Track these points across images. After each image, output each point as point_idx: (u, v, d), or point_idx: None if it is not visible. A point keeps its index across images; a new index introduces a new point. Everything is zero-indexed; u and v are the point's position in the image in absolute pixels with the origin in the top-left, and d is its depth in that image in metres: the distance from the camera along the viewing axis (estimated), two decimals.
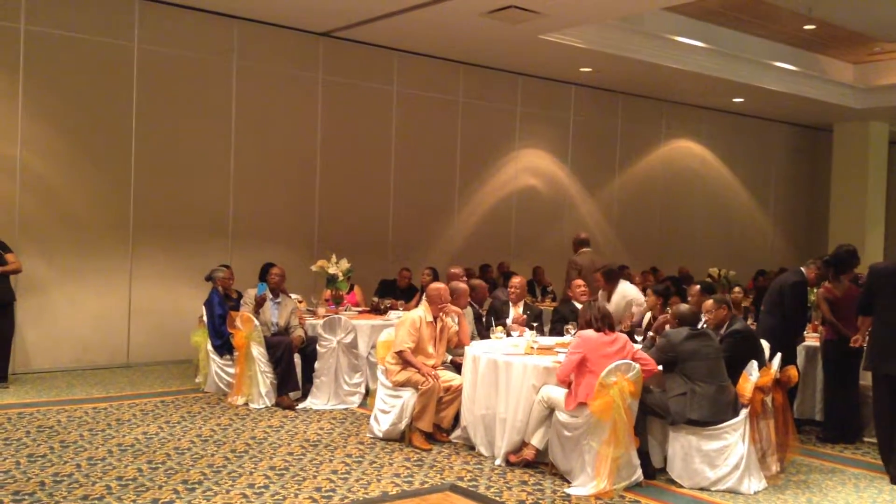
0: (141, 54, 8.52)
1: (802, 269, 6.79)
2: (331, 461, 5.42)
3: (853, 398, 6.48)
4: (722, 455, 5.15)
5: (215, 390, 7.36)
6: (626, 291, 7.95)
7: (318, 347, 7.07)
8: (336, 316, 7.20)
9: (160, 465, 5.17)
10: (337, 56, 9.84)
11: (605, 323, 5.38)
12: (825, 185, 15.32)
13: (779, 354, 5.82)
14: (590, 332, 5.35)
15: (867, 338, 5.91)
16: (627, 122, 13.09)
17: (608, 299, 7.77)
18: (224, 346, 7.27)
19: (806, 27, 11.07)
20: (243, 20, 9.05)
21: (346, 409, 6.96)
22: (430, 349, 6.13)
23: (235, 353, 7.10)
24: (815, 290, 7.05)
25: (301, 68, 9.63)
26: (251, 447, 5.68)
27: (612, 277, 7.91)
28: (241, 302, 7.29)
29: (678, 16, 10.36)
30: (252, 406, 6.90)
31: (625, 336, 5.50)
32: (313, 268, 7.99)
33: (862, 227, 14.42)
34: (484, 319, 7.29)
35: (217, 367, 7.36)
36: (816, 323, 7.24)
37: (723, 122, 14.42)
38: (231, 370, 7.22)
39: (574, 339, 5.42)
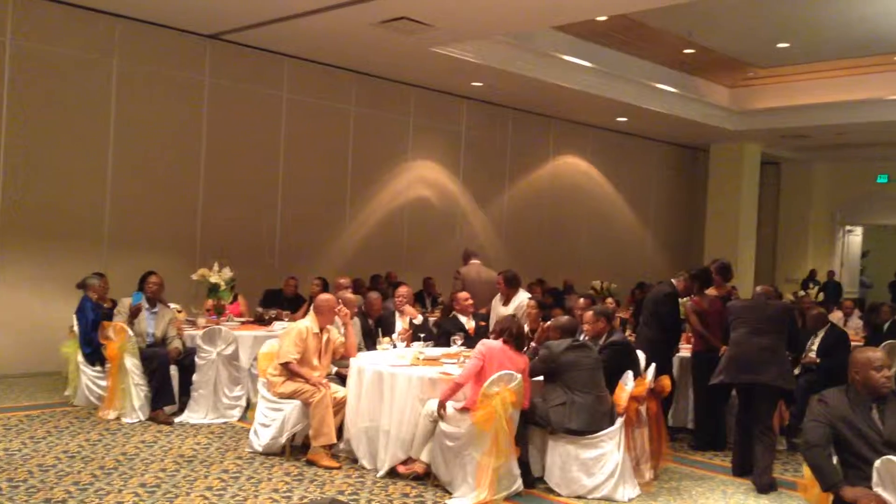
0: (13, 50, 8.06)
1: (672, 280, 7.09)
2: (206, 477, 5.24)
3: (722, 407, 6.77)
4: (598, 463, 5.28)
5: (86, 404, 7.00)
6: (523, 299, 8.07)
7: (196, 359, 6.84)
8: (216, 326, 6.99)
9: (21, 484, 4.87)
10: (225, 59, 9.60)
11: (516, 341, 5.43)
12: (702, 202, 16.05)
13: (653, 365, 6.02)
14: (496, 344, 5.39)
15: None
16: (517, 137, 13.34)
17: (505, 304, 7.83)
18: (94, 354, 6.93)
19: (686, 51, 11.59)
20: (126, 19, 8.71)
21: (225, 423, 6.74)
22: (316, 361, 6.02)
23: (108, 365, 6.79)
24: (685, 302, 7.35)
25: (187, 70, 9.35)
26: (121, 463, 5.43)
27: (512, 283, 7.98)
28: (115, 311, 6.98)
29: (566, 35, 10.65)
30: (124, 420, 6.59)
31: (527, 359, 5.55)
32: (194, 276, 7.74)
33: (735, 242, 15.17)
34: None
35: (88, 380, 7.00)
36: (689, 334, 7.54)
37: (607, 140, 14.90)
38: (103, 383, 6.89)
39: (479, 345, 5.45)
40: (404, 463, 5.43)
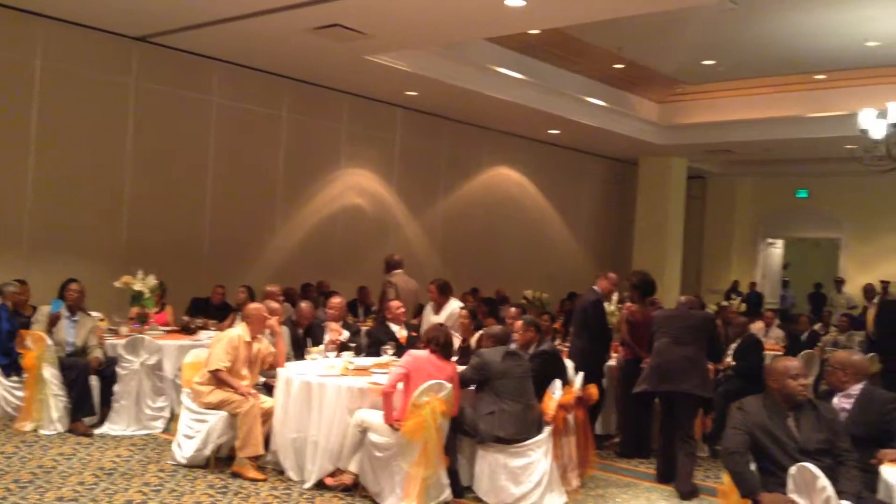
0: None
1: (594, 287, 7.21)
2: (126, 490, 5.09)
3: (646, 415, 6.90)
4: (526, 472, 5.31)
5: (1, 415, 6.72)
6: (455, 307, 8.10)
7: (118, 369, 6.65)
8: (140, 336, 6.81)
9: None
10: (153, 62, 9.38)
11: (443, 350, 5.43)
12: (631, 214, 16.37)
13: (581, 373, 6.11)
14: (422, 353, 5.39)
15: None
16: (451, 147, 13.40)
17: (437, 312, 7.84)
18: (11, 365, 6.66)
19: (615, 66, 11.82)
20: (50, 19, 8.43)
21: (147, 435, 6.57)
22: (244, 371, 5.92)
23: (25, 375, 6.54)
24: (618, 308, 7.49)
25: (113, 73, 9.10)
26: (38, 477, 5.23)
27: (445, 291, 8.00)
28: (32, 319, 6.73)
29: (500, 48, 10.75)
30: (42, 432, 6.36)
31: (454, 366, 5.56)
32: (117, 284, 7.53)
33: (663, 254, 15.52)
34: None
35: (3, 390, 6.73)
36: (617, 343, 7.68)
37: (540, 152, 15.09)
38: (20, 393, 6.63)
39: (406, 355, 5.44)
40: (332, 474, 5.38)
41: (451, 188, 13.53)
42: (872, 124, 8.16)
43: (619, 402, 7.18)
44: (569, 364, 6.42)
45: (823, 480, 3.52)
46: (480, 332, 6.72)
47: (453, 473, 5.35)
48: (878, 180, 10.00)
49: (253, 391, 5.77)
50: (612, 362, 7.38)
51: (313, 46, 8.93)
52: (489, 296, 12.06)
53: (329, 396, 5.43)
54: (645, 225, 15.87)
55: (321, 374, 5.70)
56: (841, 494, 3.68)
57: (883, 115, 8.12)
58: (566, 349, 7.40)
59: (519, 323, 6.38)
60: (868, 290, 12.98)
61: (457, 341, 6.73)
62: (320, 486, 5.35)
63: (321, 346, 6.69)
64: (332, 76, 10.65)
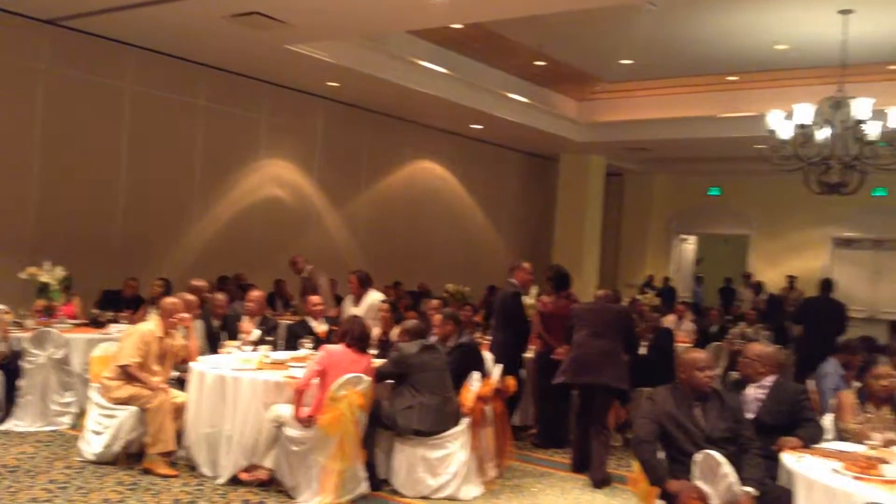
0: None
1: (511, 280, 7.30)
2: (31, 488, 4.91)
3: (564, 406, 7.03)
4: (444, 463, 5.35)
5: None
6: (375, 299, 8.06)
7: (23, 364, 6.39)
8: (46, 329, 6.57)
9: None
10: (64, 47, 9.02)
11: (358, 343, 5.40)
12: (551, 210, 16.61)
13: (499, 365, 6.17)
14: (338, 348, 5.35)
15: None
16: (374, 140, 13.32)
17: (357, 303, 7.79)
18: None
19: (537, 63, 11.97)
20: None
21: (54, 431, 6.34)
22: (156, 366, 5.76)
23: None
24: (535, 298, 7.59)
25: (21, 57, 8.72)
26: None
27: (365, 283, 7.96)
28: None
29: (423, 41, 10.75)
30: None
31: (370, 359, 5.54)
32: (22, 275, 7.24)
33: (581, 248, 15.81)
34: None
35: None
36: (535, 335, 7.79)
37: (463, 147, 15.16)
38: None
39: (321, 350, 5.40)
40: (247, 469, 5.30)
41: (373, 181, 13.46)
42: (780, 125, 8.46)
43: (535, 394, 7.29)
44: (488, 356, 6.48)
45: (727, 467, 3.65)
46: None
47: (370, 466, 5.34)
48: (785, 179, 10.36)
49: (164, 386, 5.63)
50: (530, 354, 7.48)
51: (232, 34, 8.74)
52: (412, 289, 12.07)
53: (244, 391, 5.34)
54: (564, 220, 16.12)
55: (236, 368, 5.60)
56: (744, 481, 3.83)
57: (790, 116, 8.44)
58: (487, 342, 7.47)
59: (438, 316, 6.42)
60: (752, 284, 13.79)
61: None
62: (234, 481, 5.27)
63: (237, 341, 6.57)
64: (252, 65, 10.45)
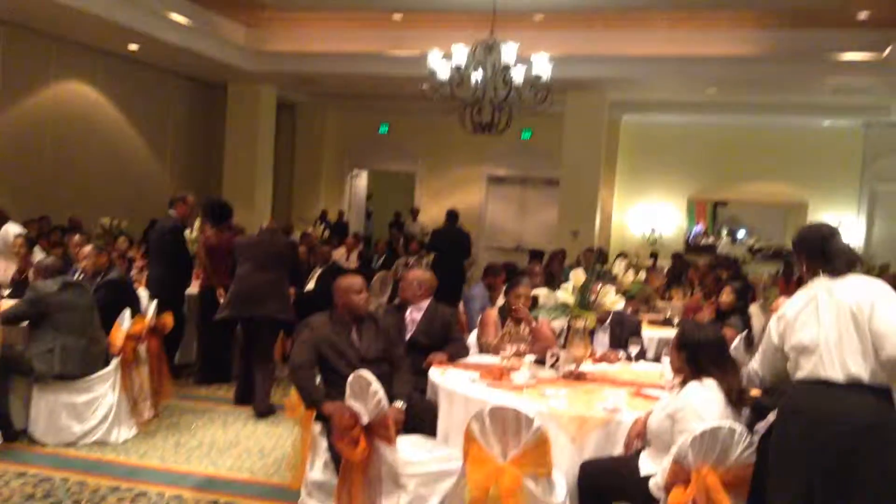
0: None
1: (171, 212, 6.96)
2: None
3: (228, 340, 6.88)
4: (90, 407, 4.99)
5: None
6: (10, 233, 7.24)
7: None
8: None
9: None
10: None
11: None
12: (221, 140, 15.98)
13: (155, 302, 5.84)
14: None
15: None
16: (11, 56, 11.67)
17: None
18: None
19: None
20: None
21: None
22: None
23: None
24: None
25: None
26: None
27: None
28: None
29: None
30: None
31: None
32: None
33: (253, 181, 15.44)
34: None
35: None
36: (199, 270, 7.49)
37: (119, 68, 13.86)
38: None
39: None
40: None
41: (11, 102, 11.83)
42: (439, 65, 8.83)
43: (198, 330, 7.04)
44: (143, 293, 6.10)
45: (375, 385, 3.80)
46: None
47: (3, 416, 4.80)
48: (447, 119, 10.90)
49: None
50: (194, 290, 7.18)
51: None
52: (60, 224, 10.96)
53: None
54: (235, 151, 15.60)
55: None
56: (393, 396, 4.04)
57: (448, 57, 8.83)
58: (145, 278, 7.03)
59: (87, 248, 5.88)
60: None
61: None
62: None
63: None
64: None
